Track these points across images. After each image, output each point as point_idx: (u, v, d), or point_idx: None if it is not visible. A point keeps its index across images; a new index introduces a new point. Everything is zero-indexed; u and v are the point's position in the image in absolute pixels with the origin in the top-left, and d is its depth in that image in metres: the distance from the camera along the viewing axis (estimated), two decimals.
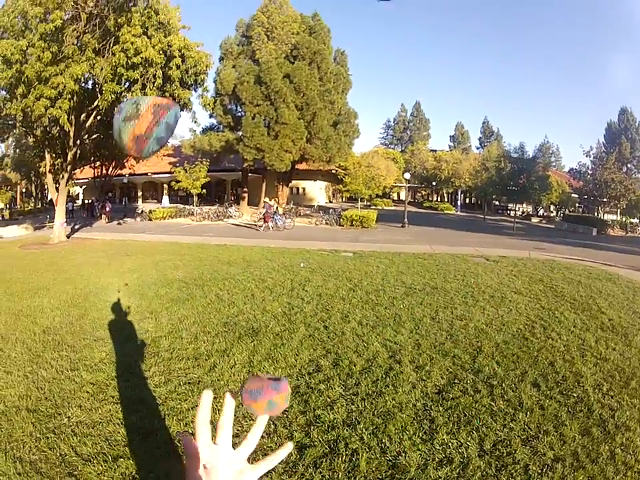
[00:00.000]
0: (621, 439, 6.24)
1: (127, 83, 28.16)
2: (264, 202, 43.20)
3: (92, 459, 5.72)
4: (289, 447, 1.44)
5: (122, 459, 5.73)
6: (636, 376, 8.40)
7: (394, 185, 72.34)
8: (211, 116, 50.63)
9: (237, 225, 42.13)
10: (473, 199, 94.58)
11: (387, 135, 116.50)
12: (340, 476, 5.50)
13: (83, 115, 29.88)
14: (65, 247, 27.57)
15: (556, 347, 9.93)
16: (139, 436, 6.29)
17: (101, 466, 5.58)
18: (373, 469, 5.64)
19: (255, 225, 39.78)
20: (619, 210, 66.20)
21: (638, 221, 64.44)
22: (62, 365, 8.67)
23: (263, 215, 39.05)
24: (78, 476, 5.42)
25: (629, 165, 70.70)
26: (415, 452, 5.95)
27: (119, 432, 6.37)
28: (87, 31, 25.62)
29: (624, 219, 64.68)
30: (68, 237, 31.95)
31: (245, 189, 58.30)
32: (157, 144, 1.54)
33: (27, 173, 64.25)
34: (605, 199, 63.32)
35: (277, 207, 42.54)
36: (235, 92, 46.39)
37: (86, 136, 32.14)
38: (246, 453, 1.39)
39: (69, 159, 30.98)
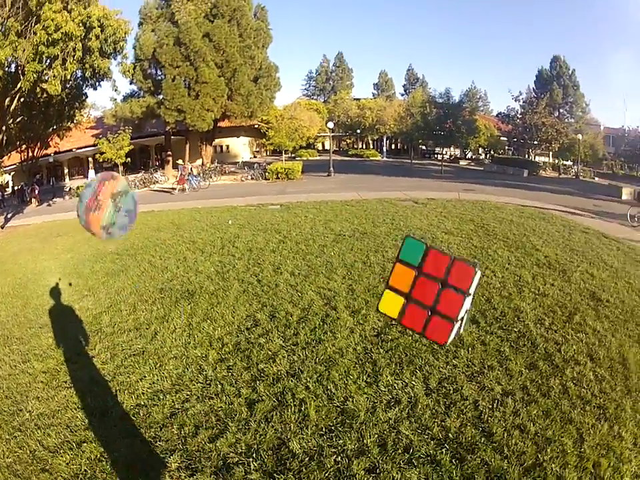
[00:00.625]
0: (571, 372, 6.37)
1: (48, 60, 27.30)
2: (177, 164, 42.81)
3: (58, 449, 5.73)
4: None
5: (85, 444, 5.74)
6: (578, 311, 8.58)
7: (318, 135, 71.97)
8: (131, 82, 49.35)
9: (163, 190, 41.47)
10: (399, 144, 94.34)
11: (310, 87, 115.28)
12: (292, 427, 5.56)
13: (7, 100, 28.95)
14: (0, 237, 27.03)
15: (492, 283, 10.13)
16: (96, 417, 6.29)
17: (68, 454, 5.58)
18: (323, 416, 5.73)
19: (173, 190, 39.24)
20: (551, 152, 67.25)
21: (571, 163, 65.48)
22: (14, 359, 8.61)
23: (177, 177, 39.06)
24: (50, 469, 5.41)
25: (560, 110, 71.42)
26: (361, 396, 6.05)
27: (77, 417, 6.37)
28: (10, 15, 24.84)
29: (557, 161, 65.70)
30: (2, 227, 31.15)
31: (169, 153, 57.01)
32: (123, 230, 1.60)
33: None
34: (535, 142, 64.26)
35: (190, 168, 42.80)
36: (155, 56, 45.54)
37: (10, 120, 31.15)
38: None
39: None
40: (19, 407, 6.85)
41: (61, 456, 5.55)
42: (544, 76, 75.42)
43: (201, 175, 42.93)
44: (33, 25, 25.12)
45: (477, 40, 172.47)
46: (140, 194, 39.29)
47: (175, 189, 37.70)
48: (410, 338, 7.49)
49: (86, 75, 31.65)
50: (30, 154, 42.00)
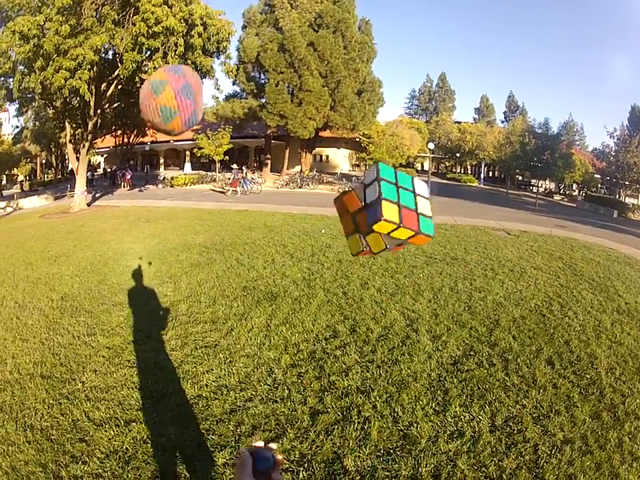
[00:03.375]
0: (629, 426, 6.22)
1: (148, 52, 28.15)
2: (232, 168, 44.83)
3: (104, 424, 5.86)
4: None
5: (134, 423, 5.86)
6: None
7: (418, 154, 71.76)
8: (234, 83, 50.43)
9: (216, 190, 42.45)
10: (496, 172, 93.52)
11: (412, 105, 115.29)
12: (351, 444, 5.55)
13: (104, 85, 30.10)
14: (86, 214, 27.82)
15: (572, 325, 9.88)
16: (153, 400, 6.40)
17: (113, 430, 5.72)
18: (384, 438, 5.70)
19: (224, 191, 40.39)
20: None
21: None
22: (79, 331, 8.86)
23: (232, 180, 40.33)
24: (89, 441, 5.54)
25: None
26: (426, 423, 6.00)
27: (132, 396, 6.50)
28: (105, 2, 25.71)
29: None
30: (89, 205, 32.23)
31: (268, 156, 57.77)
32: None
33: (47, 144, 63.45)
34: (627, 182, 62.48)
35: (245, 173, 43.71)
36: (258, 60, 46.05)
37: (107, 105, 32.29)
38: None
39: (89, 128, 31.20)
40: (73, 376, 7.06)
41: (105, 430, 5.71)
42: (637, 113, 73.73)
43: (254, 179, 43.51)
44: (131, 15, 25.97)
45: (576, 71, 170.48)
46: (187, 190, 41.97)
47: (228, 190, 38.87)
48: (486, 371, 7.46)
49: None
50: (125, 139, 43.03)
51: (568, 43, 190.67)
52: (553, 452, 5.60)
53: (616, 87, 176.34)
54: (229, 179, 41.89)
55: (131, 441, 5.53)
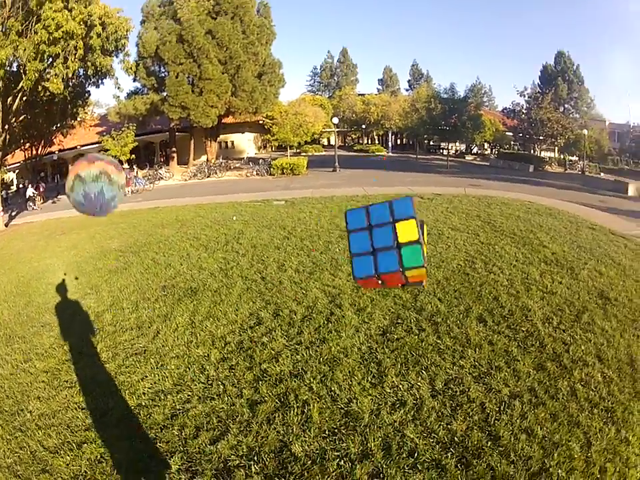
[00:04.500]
0: (579, 374, 6.26)
1: (49, 59, 27.50)
2: (125, 169, 43.66)
3: (59, 450, 5.70)
4: None
5: (85, 445, 5.72)
6: (587, 310, 8.46)
7: (323, 130, 72.10)
8: (134, 80, 49.89)
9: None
10: (404, 140, 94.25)
11: (314, 82, 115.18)
12: (295, 430, 5.49)
13: (9, 99, 29.15)
14: (5, 236, 27.00)
15: (499, 281, 10.00)
16: (97, 417, 6.26)
17: (68, 456, 5.56)
18: (326, 418, 5.66)
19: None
20: (556, 148, 67.20)
21: (577, 158, 65.37)
22: (16, 359, 8.56)
23: (125, 180, 39.40)
24: (50, 470, 5.39)
25: (566, 106, 71.43)
26: (366, 397, 5.97)
27: (77, 417, 6.34)
28: (11, 15, 25.02)
29: (562, 157, 65.64)
30: (7, 225, 31.26)
31: (174, 149, 57.84)
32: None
33: None
34: (541, 137, 64.23)
35: (136, 172, 44.70)
36: (158, 53, 45.73)
37: (13, 119, 31.36)
38: None
39: None
40: (20, 406, 6.81)
41: (61, 457, 5.52)
42: (548, 71, 75.62)
43: (146, 178, 43.90)
44: (33, 24, 25.34)
45: (481, 35, 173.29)
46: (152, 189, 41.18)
47: (127, 191, 38.53)
48: (416, 337, 7.44)
49: (88, 72, 32.16)
50: (34, 152, 42.26)
51: (472, 5, 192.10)
52: (501, 408, 5.63)
53: (525, 47, 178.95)
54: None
55: (87, 462, 5.38)
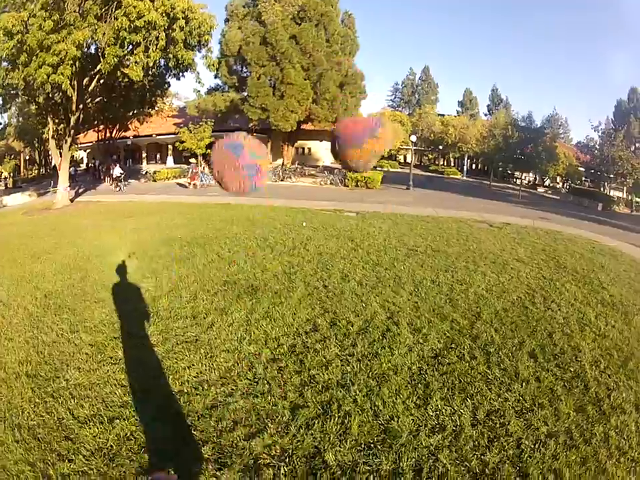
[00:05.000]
0: (615, 421, 6.18)
1: (130, 46, 28.10)
2: (190, 164, 44.97)
3: (88, 421, 5.83)
4: None
5: (117, 420, 5.83)
6: (634, 356, 8.30)
7: (400, 147, 72.64)
8: (215, 77, 50.67)
9: (180, 184, 43.03)
10: (479, 165, 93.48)
11: (395, 98, 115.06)
12: (331, 438, 5.52)
13: (86, 80, 29.95)
14: (68, 211, 27.82)
15: (555, 318, 9.85)
16: (135, 397, 6.36)
17: (97, 428, 5.69)
18: (365, 432, 5.66)
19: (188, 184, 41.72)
20: (625, 187, 65.92)
21: None
22: (62, 328, 8.78)
23: (190, 174, 41.40)
24: (74, 439, 5.51)
25: (637, 144, 70.17)
26: (407, 417, 5.97)
27: (115, 393, 6.46)
28: None
29: (630, 197, 64.41)
30: (72, 200, 32.19)
31: None
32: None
33: (31, 140, 62.79)
34: (611, 175, 62.76)
35: (203, 167, 44.28)
36: (240, 53, 46.18)
37: (89, 100, 32.21)
38: None
39: (71, 123, 31.20)
40: (57, 374, 7.01)
41: (90, 428, 5.69)
42: (622, 107, 74.07)
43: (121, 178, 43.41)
44: (113, 9, 25.79)
45: (561, 65, 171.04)
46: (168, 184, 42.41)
47: (189, 184, 40.22)
48: (467, 364, 7.43)
49: (169, 64, 32.57)
50: (107, 134, 43.00)
51: (554, 35, 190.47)
52: (536, 446, 5.56)
53: (602, 81, 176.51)
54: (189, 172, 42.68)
55: (115, 438, 5.50)
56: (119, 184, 39.03)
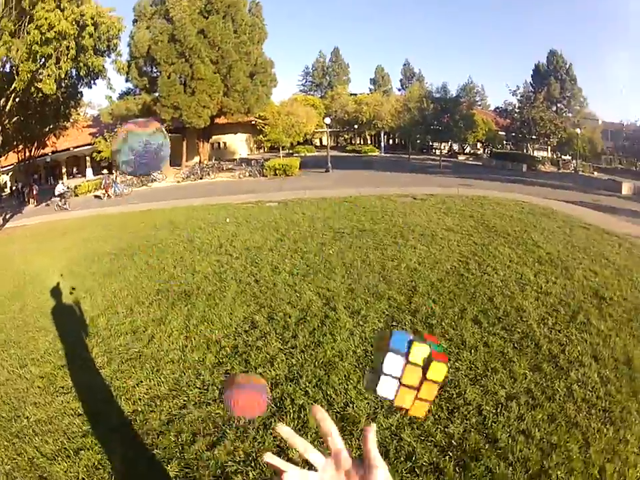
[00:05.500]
0: (575, 374, 6.26)
1: (42, 59, 27.29)
2: (103, 174, 44.02)
3: (56, 457, 5.66)
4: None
5: (82, 451, 5.67)
6: (582, 310, 8.47)
7: (315, 130, 72.30)
8: (127, 80, 49.99)
9: (95, 196, 42.62)
10: (396, 140, 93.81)
11: (306, 82, 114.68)
12: None
13: (2, 100, 29.11)
14: None
15: (493, 282, 10.01)
16: (94, 423, 6.22)
17: (65, 462, 5.51)
18: None
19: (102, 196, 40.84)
20: (549, 147, 67.36)
21: (570, 157, 65.51)
22: (12, 364, 8.51)
23: (104, 185, 40.80)
24: (48, 477, 5.37)
25: (558, 105, 71.57)
26: (362, 401, 5.95)
27: (74, 423, 6.29)
28: (4, 15, 24.83)
29: (555, 156, 65.77)
30: (0, 228, 31.25)
31: None
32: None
33: None
34: (534, 137, 64.38)
35: (115, 177, 43.99)
36: (150, 53, 45.91)
37: (6, 121, 31.27)
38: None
39: None
40: (17, 412, 6.78)
41: (59, 463, 5.48)
42: (541, 70, 75.81)
43: (124, 182, 43.90)
44: (26, 24, 25.15)
45: (473, 34, 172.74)
46: (145, 190, 41.50)
47: (104, 195, 39.87)
48: None
49: (80, 73, 31.71)
50: (27, 154, 42.24)
51: (464, 3, 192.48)
52: (498, 410, 5.61)
53: (517, 46, 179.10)
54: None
55: (84, 469, 5.34)
56: (62, 201, 37.54)
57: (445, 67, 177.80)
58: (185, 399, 6.42)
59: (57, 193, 38.48)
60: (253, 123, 62.80)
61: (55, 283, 12.91)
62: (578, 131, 58.82)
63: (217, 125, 56.25)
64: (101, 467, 5.34)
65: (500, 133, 72.21)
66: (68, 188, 40.17)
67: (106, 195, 39.47)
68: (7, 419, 6.66)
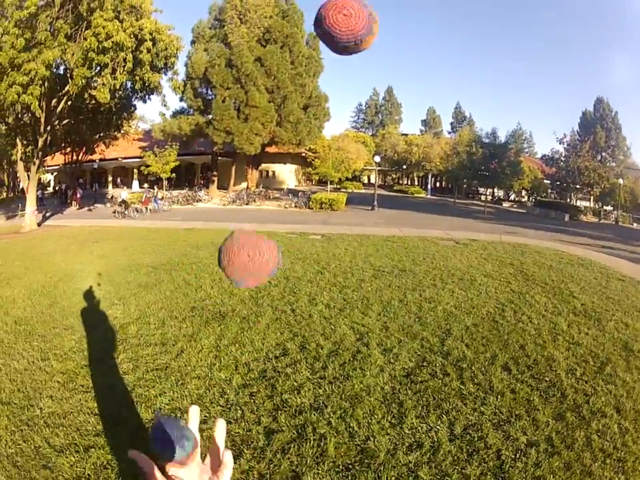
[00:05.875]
0: (596, 425, 6.17)
1: (98, 68, 27.95)
2: (144, 188, 44.35)
3: (64, 450, 5.69)
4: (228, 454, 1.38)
5: (93, 449, 5.69)
6: (610, 362, 8.34)
7: (364, 168, 72.88)
8: (181, 99, 50.46)
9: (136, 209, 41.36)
10: (443, 183, 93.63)
11: (358, 119, 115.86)
12: (308, 461, 5.41)
13: (54, 101, 29.62)
14: (37, 235, 27.39)
15: (527, 330, 9.88)
16: (109, 424, 6.24)
17: (74, 457, 5.54)
18: (342, 453, 5.57)
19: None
20: (592, 197, 66.82)
21: (612, 208, 64.83)
22: (33, 356, 8.60)
23: (144, 199, 40.81)
24: (52, 468, 5.38)
25: (603, 154, 70.97)
26: (383, 436, 5.88)
27: (89, 421, 6.31)
28: (60, 16, 25.46)
29: (597, 206, 65.18)
30: (39, 224, 31.84)
31: (215, 173, 58.40)
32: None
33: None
34: (577, 186, 63.78)
35: (156, 192, 45.36)
36: (206, 75, 46.23)
37: (57, 122, 31.88)
38: (215, 463, 1.36)
39: (39, 145, 30.85)
40: (31, 402, 6.85)
41: (66, 457, 5.53)
42: (587, 118, 75.30)
43: (164, 199, 43.99)
44: (83, 29, 25.84)
45: (525, 80, 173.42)
46: (190, 210, 42.01)
47: (141, 209, 39.18)
48: (440, 381, 7.37)
49: (136, 86, 32.41)
50: (74, 157, 42.78)
51: (514, 52, 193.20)
52: (517, 456, 5.53)
53: (566, 94, 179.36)
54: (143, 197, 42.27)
55: (92, 467, 5.37)
56: (125, 207, 37.58)
57: (496, 112, 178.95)
58: (207, 414, 6.38)
59: (120, 199, 38.79)
60: (303, 154, 63.56)
61: (88, 286, 13.10)
62: (620, 181, 58.16)
63: (268, 153, 56.33)
64: (109, 467, 5.38)
65: (545, 181, 71.94)
66: (129, 198, 40.10)
67: (143, 208, 39.32)
68: (19, 406, 6.74)
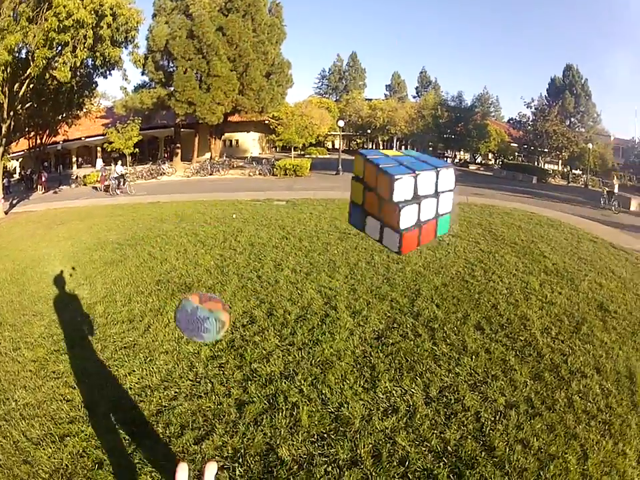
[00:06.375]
0: (577, 385, 6.18)
1: (59, 47, 27.44)
2: (101, 167, 43.81)
3: (41, 442, 5.63)
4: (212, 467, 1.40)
5: (68, 438, 5.64)
6: (586, 321, 8.39)
7: (328, 133, 72.50)
8: (142, 73, 49.57)
9: (94, 187, 41.80)
10: (409, 146, 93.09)
11: (322, 85, 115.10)
12: (282, 433, 5.37)
13: (16, 85, 28.97)
14: (3, 223, 27.03)
15: (498, 289, 9.93)
16: (82, 410, 6.18)
17: (50, 448, 5.48)
18: (316, 422, 5.54)
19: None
20: (560, 161, 67.23)
21: (580, 172, 65.39)
22: (5, 347, 8.52)
23: (100, 177, 40.07)
24: (32, 462, 5.31)
25: (572, 119, 71.30)
26: (357, 402, 5.86)
27: (62, 409, 6.26)
28: (22, 0, 25.01)
29: (566, 170, 65.62)
30: (6, 212, 31.27)
31: (178, 145, 57.54)
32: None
33: None
34: (545, 150, 64.13)
35: (113, 169, 41.61)
36: (167, 48, 45.67)
37: (19, 106, 31.19)
38: None
39: (3, 132, 30.23)
40: (6, 395, 6.73)
41: (43, 449, 5.44)
42: (557, 84, 75.46)
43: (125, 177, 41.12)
44: (44, 11, 25.07)
45: (490, 45, 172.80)
46: (154, 183, 42.13)
47: (101, 187, 38.66)
48: (412, 343, 7.34)
49: (96, 63, 31.67)
50: (38, 141, 42.20)
51: (482, 15, 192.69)
52: (497, 418, 5.51)
53: (533, 60, 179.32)
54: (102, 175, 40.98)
55: (69, 456, 5.28)
56: (122, 182, 36.25)
57: (462, 77, 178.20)
58: (177, 390, 6.34)
59: (116, 174, 37.07)
60: (266, 122, 62.98)
61: (56, 269, 12.92)
62: (590, 146, 58.58)
63: (230, 122, 56.29)
64: (85, 455, 5.28)
65: (512, 144, 72.19)
66: (124, 172, 38.23)
67: (103, 187, 38.40)
68: None
